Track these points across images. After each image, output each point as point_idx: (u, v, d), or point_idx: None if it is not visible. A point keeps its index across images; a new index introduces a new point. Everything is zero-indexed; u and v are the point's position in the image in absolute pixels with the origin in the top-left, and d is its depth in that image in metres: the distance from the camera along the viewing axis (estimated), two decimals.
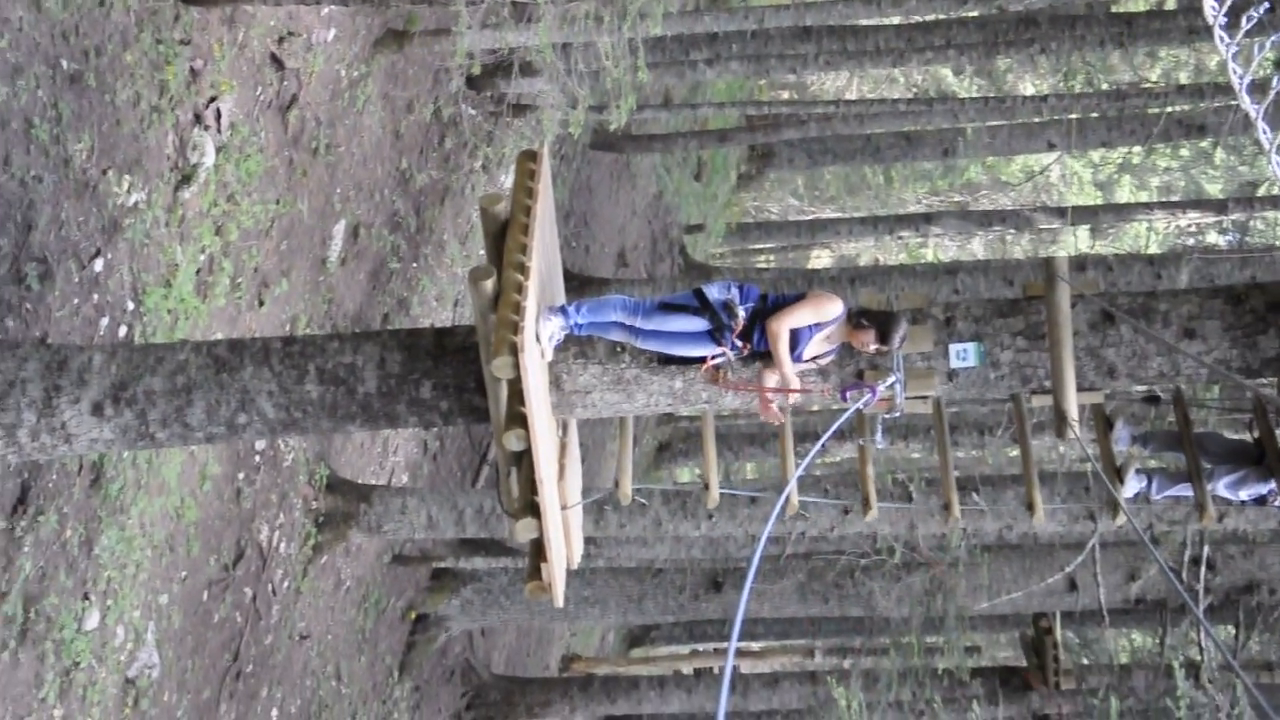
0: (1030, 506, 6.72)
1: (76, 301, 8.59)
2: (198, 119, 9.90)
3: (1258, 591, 12.04)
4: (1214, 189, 28.73)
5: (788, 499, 6.49)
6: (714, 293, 6.46)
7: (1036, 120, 21.83)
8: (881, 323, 6.23)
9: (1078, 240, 29.97)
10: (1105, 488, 8.99)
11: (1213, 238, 28.20)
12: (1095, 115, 19.87)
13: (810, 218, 34.61)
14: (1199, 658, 12.18)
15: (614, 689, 17.79)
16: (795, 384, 6.33)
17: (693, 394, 6.62)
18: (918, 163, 29.63)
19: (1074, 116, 18.97)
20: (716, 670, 21.91)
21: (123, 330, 9.07)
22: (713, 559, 15.27)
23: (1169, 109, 19.24)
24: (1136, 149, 26.32)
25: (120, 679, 9.54)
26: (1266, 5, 7.34)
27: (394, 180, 13.51)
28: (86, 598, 8.97)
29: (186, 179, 9.78)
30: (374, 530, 12.75)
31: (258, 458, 11.43)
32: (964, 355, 6.31)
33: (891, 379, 6.30)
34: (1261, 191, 25.03)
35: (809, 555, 14.56)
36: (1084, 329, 6.24)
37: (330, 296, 12.38)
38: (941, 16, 15.44)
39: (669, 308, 6.46)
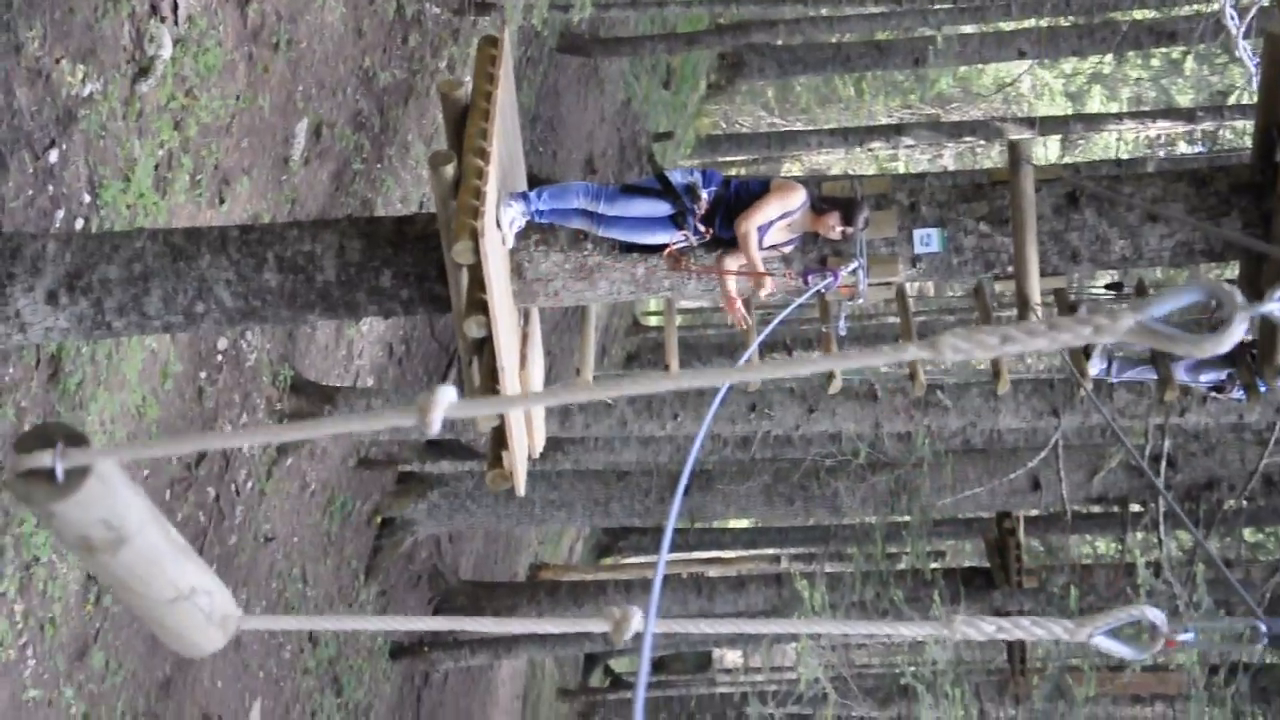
0: (996, 374, 6.73)
1: (31, 193, 8.44)
2: (154, 9, 9.70)
3: (1217, 489, 12.13)
4: (1184, 99, 28.65)
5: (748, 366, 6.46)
6: (677, 176, 6.41)
7: (1007, 28, 21.71)
8: (844, 206, 6.19)
9: (1048, 151, 29.93)
10: (1068, 384, 9.01)
11: (1182, 148, 28.18)
12: (1066, 23, 19.77)
13: (781, 130, 34.46)
14: (1160, 555, 12.30)
15: (581, 594, 17.90)
16: (761, 268, 6.29)
17: (655, 282, 6.57)
18: (889, 72, 29.47)
19: (1045, 24, 18.87)
20: (685, 575, 22.06)
21: (79, 223, 8.93)
22: (679, 462, 15.30)
23: (1139, 15, 19.16)
24: (1107, 58, 26.24)
25: (82, 575, 9.49)
26: None
27: (357, 79, 13.31)
28: None
29: (143, 71, 9.59)
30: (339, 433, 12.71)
31: (220, 357, 11.34)
32: (927, 240, 6.27)
33: (854, 264, 6.26)
34: (1231, 100, 24.99)
35: (775, 458, 14.62)
36: (1048, 213, 6.20)
37: (293, 196, 12.23)
38: None
39: (632, 190, 6.41)
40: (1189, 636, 3.02)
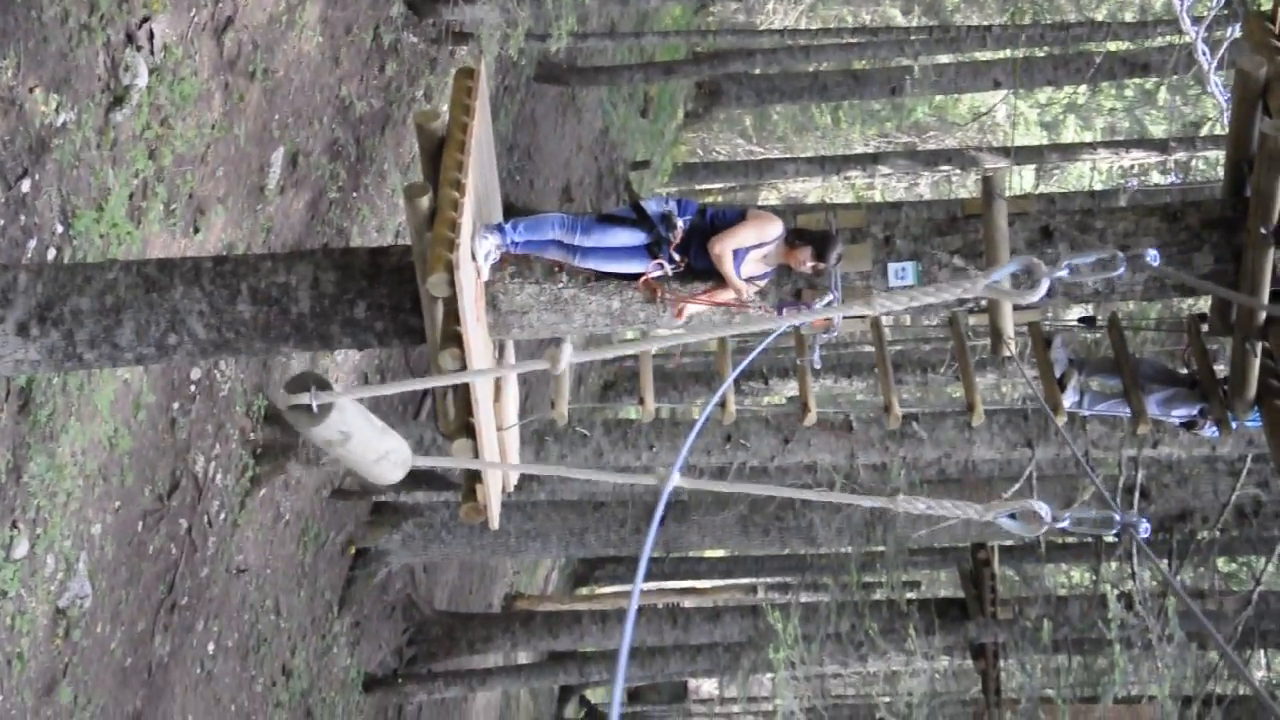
0: (971, 407, 6.73)
1: (2, 222, 8.41)
2: (130, 39, 9.69)
3: (1190, 520, 12.16)
4: (1157, 129, 28.82)
5: (723, 405, 6.47)
6: (652, 206, 6.41)
7: (983, 58, 21.83)
8: (817, 240, 6.20)
9: (1023, 180, 30.05)
10: (1042, 415, 9.02)
11: (1155, 178, 28.33)
12: (1041, 54, 19.88)
13: (758, 158, 34.56)
14: (1132, 586, 12.31)
15: (556, 624, 17.84)
16: (745, 293, 6.28)
17: (630, 314, 6.56)
18: (865, 101, 29.60)
19: (1020, 54, 18.98)
20: (661, 606, 22.00)
21: (51, 253, 8.90)
22: (655, 493, 15.27)
23: (1113, 47, 19.28)
24: (1082, 89, 26.39)
25: (50, 609, 9.42)
26: None
27: (334, 108, 13.31)
28: (15, 526, 8.84)
29: (118, 100, 9.58)
30: (312, 462, 12.65)
31: (193, 387, 11.29)
32: (902, 274, 6.28)
33: (829, 297, 6.27)
34: (1204, 131, 25.16)
35: None
36: (1021, 247, 6.22)
37: (268, 225, 12.20)
38: None
39: (608, 220, 6.40)
40: (1065, 523, 3.98)
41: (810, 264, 6.20)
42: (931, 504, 3.97)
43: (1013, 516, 3.92)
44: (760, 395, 22.05)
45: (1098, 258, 3.89)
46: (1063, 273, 3.63)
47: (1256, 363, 6.36)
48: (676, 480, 3.79)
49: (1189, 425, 6.81)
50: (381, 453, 4.27)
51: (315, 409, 3.66)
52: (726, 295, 6.34)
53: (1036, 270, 3.44)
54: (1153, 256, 4.38)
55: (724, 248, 6.22)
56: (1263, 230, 5.81)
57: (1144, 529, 4.23)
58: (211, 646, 12.17)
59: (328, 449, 4.02)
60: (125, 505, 10.36)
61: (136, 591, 10.68)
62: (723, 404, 6.81)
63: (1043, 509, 3.85)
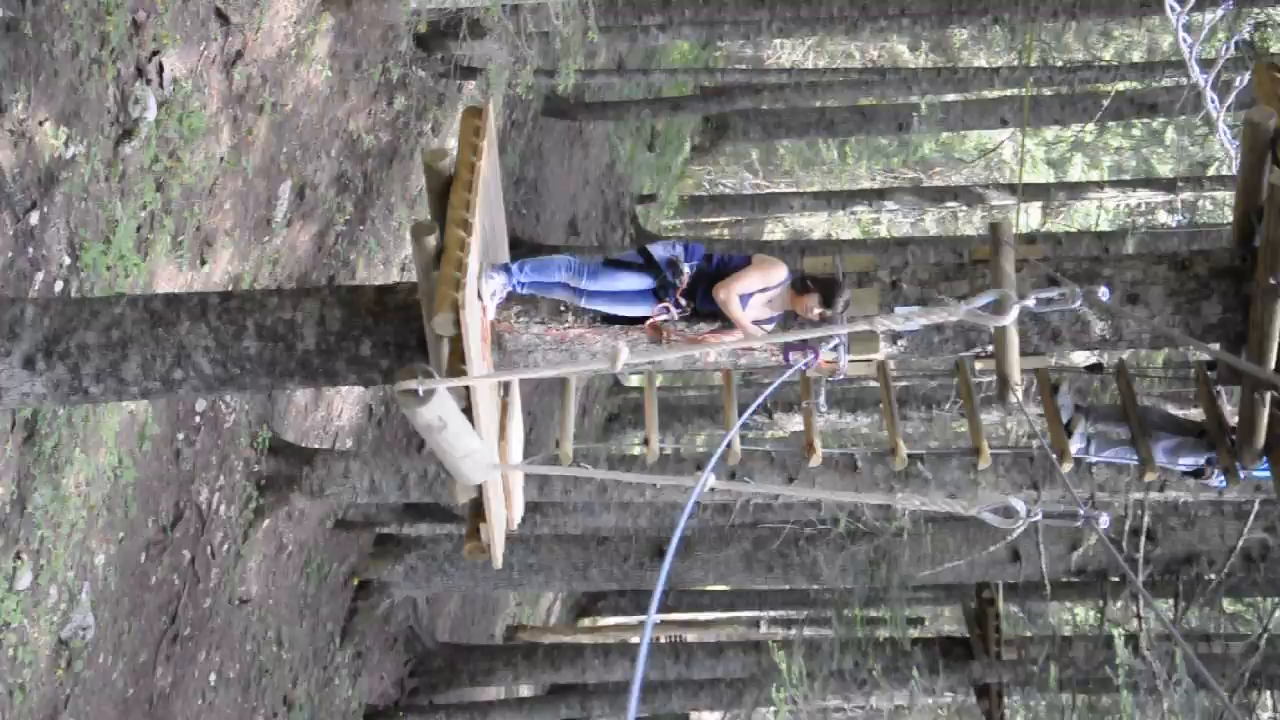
0: (977, 450, 6.69)
1: (10, 255, 8.42)
2: (140, 72, 9.72)
3: (1197, 563, 12.10)
4: (1164, 169, 28.84)
5: (730, 445, 6.45)
6: (659, 251, 6.41)
7: (990, 96, 21.87)
8: (824, 287, 6.18)
9: (1029, 218, 30.06)
10: (1048, 459, 9.01)
11: (1162, 217, 28.33)
12: (1049, 92, 19.93)
13: (764, 192, 34.59)
14: (1138, 629, 12.25)
15: (558, 657, 17.77)
16: (754, 334, 6.27)
17: (636, 354, 6.54)
18: (872, 138, 29.63)
19: (1027, 93, 19.02)
20: (663, 639, 21.94)
21: (59, 286, 8.91)
22: (658, 528, 15.25)
23: (1121, 86, 19.34)
24: (1089, 127, 26.43)
25: (53, 640, 9.40)
26: None
27: (342, 141, 13.34)
28: (19, 557, 8.82)
29: (127, 133, 9.61)
30: (316, 494, 12.63)
31: (198, 418, 11.29)
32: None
33: (835, 342, 6.25)
34: (1211, 171, 25.17)
35: (755, 525, 14.55)
36: (1028, 293, 6.19)
37: (275, 257, 12.22)
38: None
39: (614, 264, 6.41)
40: (1039, 516, 4.49)
41: (816, 311, 6.19)
42: (925, 500, 4.63)
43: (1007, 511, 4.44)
44: (765, 429, 22.00)
45: (1059, 293, 4.73)
46: (1029, 303, 4.28)
47: (1265, 412, 6.32)
48: (711, 481, 4.50)
49: (1196, 474, 6.78)
50: (468, 450, 5.08)
51: (421, 394, 4.41)
52: (733, 336, 6.34)
53: (1008, 300, 4.04)
54: (1104, 293, 5.08)
55: (729, 293, 6.22)
56: (1271, 280, 5.79)
57: (1104, 521, 4.80)
58: (213, 677, 12.13)
59: (427, 434, 4.83)
60: (129, 536, 10.34)
61: (139, 622, 10.66)
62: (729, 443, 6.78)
63: (1017, 503, 4.37)
